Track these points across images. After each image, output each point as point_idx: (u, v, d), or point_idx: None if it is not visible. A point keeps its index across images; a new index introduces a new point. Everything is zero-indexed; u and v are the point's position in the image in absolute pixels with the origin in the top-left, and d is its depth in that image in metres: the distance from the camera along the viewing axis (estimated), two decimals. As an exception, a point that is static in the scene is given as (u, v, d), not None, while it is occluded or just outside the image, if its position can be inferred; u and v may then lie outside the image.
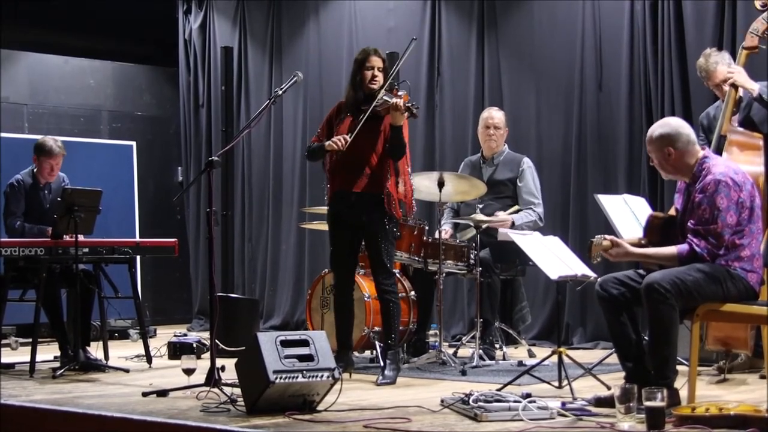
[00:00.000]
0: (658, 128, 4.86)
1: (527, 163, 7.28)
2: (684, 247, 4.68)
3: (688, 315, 4.69)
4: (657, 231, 4.96)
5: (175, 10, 11.19)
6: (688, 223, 4.71)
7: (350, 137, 5.90)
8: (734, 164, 4.95)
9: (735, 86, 5.90)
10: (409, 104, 5.91)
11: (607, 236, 4.82)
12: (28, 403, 5.20)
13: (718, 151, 5.75)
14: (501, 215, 6.99)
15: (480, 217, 6.69)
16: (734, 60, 6.15)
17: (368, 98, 6.01)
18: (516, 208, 7.13)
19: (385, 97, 5.92)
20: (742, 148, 5.81)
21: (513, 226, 6.93)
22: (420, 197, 7.20)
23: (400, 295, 6.74)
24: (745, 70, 5.96)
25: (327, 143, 5.99)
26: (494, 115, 7.34)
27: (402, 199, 6.08)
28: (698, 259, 4.64)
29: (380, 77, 6.06)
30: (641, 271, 4.82)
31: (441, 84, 9.10)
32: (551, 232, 6.43)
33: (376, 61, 6.07)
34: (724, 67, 6.08)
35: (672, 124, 4.87)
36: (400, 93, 6.02)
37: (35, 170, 7.11)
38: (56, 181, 7.15)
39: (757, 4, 6.03)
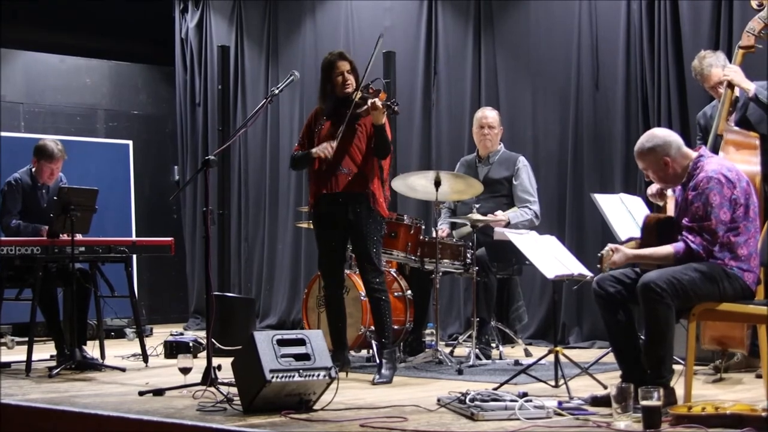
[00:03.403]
0: (647, 143, 4.85)
1: (523, 161, 7.28)
2: (680, 245, 4.68)
3: (684, 314, 4.70)
4: (654, 231, 4.96)
5: (171, 9, 11.19)
6: (683, 221, 4.73)
7: (335, 143, 5.91)
8: (728, 162, 4.96)
9: (731, 86, 5.91)
10: (387, 102, 5.91)
11: (610, 245, 4.83)
12: (24, 402, 5.19)
13: (715, 150, 5.75)
14: (498, 214, 6.99)
15: (477, 216, 6.69)
16: (730, 60, 6.15)
17: (344, 101, 6.01)
18: (515, 209, 7.12)
19: (369, 100, 5.89)
20: (739, 148, 5.82)
21: (508, 224, 6.94)
22: (416, 196, 7.21)
23: (396, 294, 6.74)
24: (742, 69, 5.96)
25: (313, 151, 5.99)
26: (488, 114, 7.34)
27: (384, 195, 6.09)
28: (694, 256, 4.64)
29: (351, 80, 6.05)
30: (638, 269, 4.83)
31: (437, 83, 9.10)
32: (548, 232, 6.44)
33: (344, 65, 6.05)
34: (718, 69, 6.08)
35: (659, 135, 4.88)
36: (374, 91, 5.99)
37: (33, 170, 7.10)
38: (55, 180, 7.14)
39: (753, 4, 6.03)
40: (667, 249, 4.73)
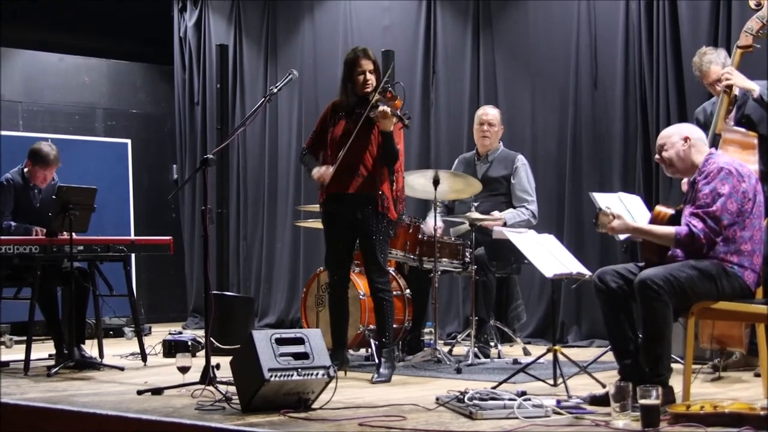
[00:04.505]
0: (675, 125, 5.09)
1: (521, 160, 7.28)
2: (682, 228, 4.68)
3: (683, 313, 4.70)
4: (660, 223, 4.97)
5: (170, 8, 11.18)
6: (689, 208, 4.73)
7: (332, 170, 5.91)
8: (739, 160, 5.00)
9: (729, 88, 5.89)
10: (400, 113, 5.87)
11: (612, 210, 4.84)
12: (22, 402, 5.19)
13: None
14: (495, 214, 6.99)
15: (475, 215, 6.69)
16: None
17: (362, 100, 6.00)
18: (511, 210, 7.12)
19: (378, 103, 5.88)
20: (737, 147, 5.81)
21: (505, 225, 6.93)
22: (415, 195, 7.20)
23: (395, 293, 6.73)
24: (740, 69, 5.95)
25: (314, 172, 6.01)
26: (489, 112, 7.34)
27: (394, 196, 6.08)
28: (695, 240, 4.63)
29: (372, 79, 6.01)
30: (641, 264, 4.83)
31: (436, 83, 9.10)
32: (546, 230, 6.43)
33: (367, 64, 6.00)
34: (717, 66, 6.08)
35: (687, 124, 5.19)
36: (393, 97, 5.97)
37: (25, 170, 7.07)
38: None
39: (752, 3, 6.02)
40: (668, 228, 4.75)
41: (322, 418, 4.49)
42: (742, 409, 4.06)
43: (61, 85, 10.60)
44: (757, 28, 5.96)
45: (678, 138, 4.87)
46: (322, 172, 5.97)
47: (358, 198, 6.01)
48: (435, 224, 6.74)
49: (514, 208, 7.18)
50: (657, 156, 4.98)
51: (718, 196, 4.66)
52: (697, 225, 4.65)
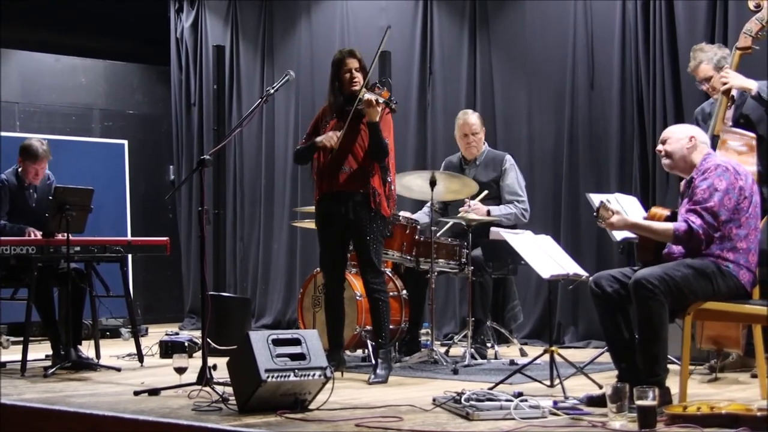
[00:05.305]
0: (682, 125, 5.22)
1: (509, 161, 7.26)
2: (681, 224, 4.68)
3: (680, 314, 4.70)
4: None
5: (167, 9, 11.18)
6: (687, 204, 4.74)
7: (340, 133, 5.91)
8: (735, 161, 5.03)
9: (727, 92, 5.88)
10: (386, 100, 5.92)
11: (612, 206, 4.85)
12: (19, 402, 5.19)
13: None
14: (473, 203, 6.97)
15: (468, 216, 6.69)
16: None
17: (351, 99, 6.02)
18: (486, 193, 7.09)
19: (366, 96, 5.92)
20: (736, 148, 5.81)
21: (489, 214, 6.93)
22: (412, 196, 7.20)
23: (392, 294, 6.73)
24: (738, 70, 5.95)
25: (318, 139, 6.00)
26: (471, 121, 7.25)
27: (387, 194, 6.08)
28: (694, 237, 4.63)
29: (359, 77, 6.05)
30: (637, 268, 4.83)
31: (433, 83, 9.11)
32: (543, 231, 6.44)
33: (352, 63, 6.05)
34: (707, 66, 6.06)
35: (694, 126, 5.29)
36: (380, 90, 6.02)
37: (19, 170, 7.07)
38: (42, 180, 7.10)
39: (751, 5, 6.00)
40: (667, 225, 4.76)
41: (318, 418, 4.49)
42: (739, 410, 4.06)
43: (57, 85, 10.60)
44: (756, 29, 5.94)
45: (684, 135, 4.90)
46: (329, 135, 5.97)
47: (350, 195, 6.01)
48: (431, 224, 6.74)
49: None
50: (659, 147, 4.99)
51: (715, 192, 4.67)
52: (696, 221, 4.65)
